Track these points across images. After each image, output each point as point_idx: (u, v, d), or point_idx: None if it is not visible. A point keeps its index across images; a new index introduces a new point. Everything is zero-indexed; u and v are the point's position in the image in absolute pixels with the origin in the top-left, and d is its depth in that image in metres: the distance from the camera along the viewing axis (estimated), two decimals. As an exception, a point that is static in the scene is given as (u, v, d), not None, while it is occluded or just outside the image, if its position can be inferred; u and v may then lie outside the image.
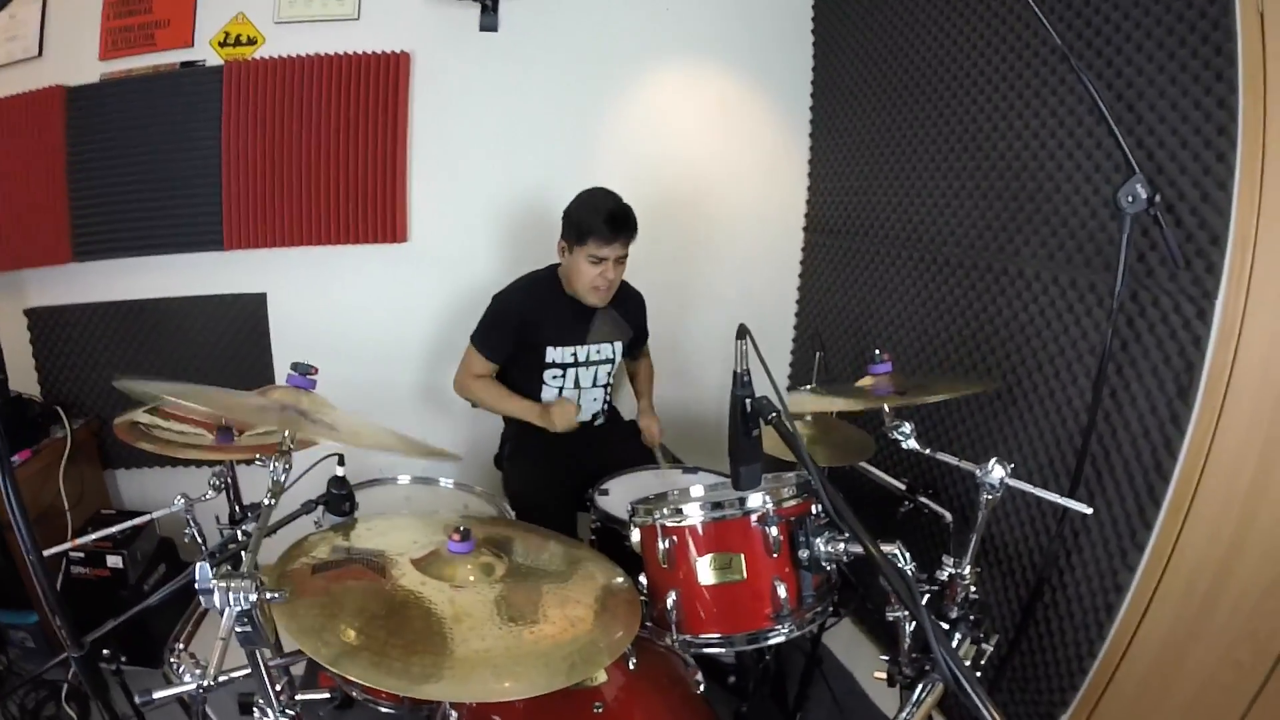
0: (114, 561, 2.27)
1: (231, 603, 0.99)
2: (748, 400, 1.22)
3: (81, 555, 2.25)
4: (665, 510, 1.46)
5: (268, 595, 1.03)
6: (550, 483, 2.15)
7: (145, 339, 2.56)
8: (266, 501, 1.23)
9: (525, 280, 2.28)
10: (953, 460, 1.56)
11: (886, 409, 1.65)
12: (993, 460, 1.43)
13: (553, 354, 2.23)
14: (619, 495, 1.97)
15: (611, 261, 2.14)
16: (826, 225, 2.91)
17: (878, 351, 1.79)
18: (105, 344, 2.55)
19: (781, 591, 1.37)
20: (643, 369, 2.58)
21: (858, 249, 2.71)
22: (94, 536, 1.87)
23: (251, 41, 2.46)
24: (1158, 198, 1.51)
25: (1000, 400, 2.15)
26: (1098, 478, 1.81)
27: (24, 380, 2.52)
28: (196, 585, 0.99)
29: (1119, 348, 1.76)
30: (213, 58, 2.45)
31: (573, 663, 1.11)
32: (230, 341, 2.61)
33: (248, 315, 2.59)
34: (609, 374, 2.36)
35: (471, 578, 1.28)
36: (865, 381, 1.78)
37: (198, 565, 1.00)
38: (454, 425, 2.78)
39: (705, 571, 1.42)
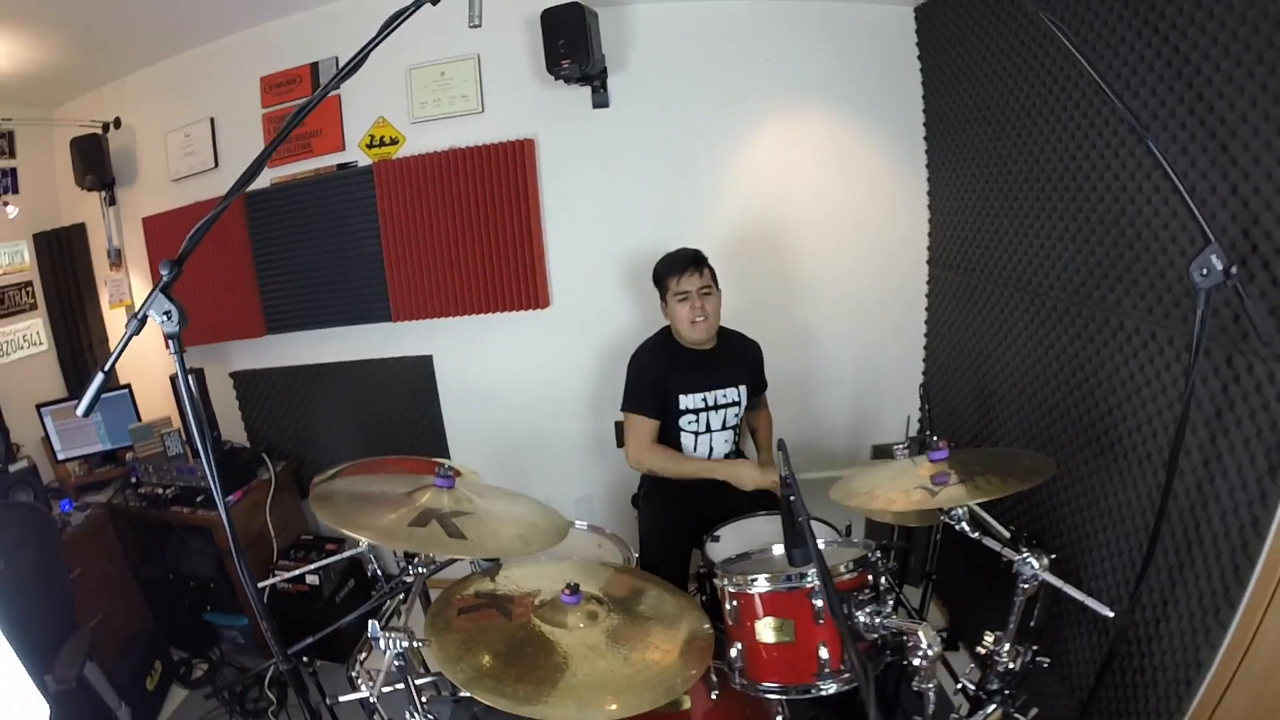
0: (312, 580, 2.83)
1: (388, 647, 1.46)
2: (791, 499, 1.41)
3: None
4: (735, 578, 1.71)
5: (415, 642, 1.48)
6: (676, 525, 2.38)
7: (331, 394, 3.13)
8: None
9: (646, 344, 2.54)
10: (996, 547, 1.65)
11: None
12: (1028, 553, 1.54)
13: (685, 401, 2.46)
14: (729, 542, 2.14)
15: (695, 293, 2.38)
16: (950, 261, 2.91)
17: (935, 438, 1.83)
18: (298, 400, 3.15)
19: (824, 653, 1.61)
20: (762, 421, 2.74)
21: (978, 286, 2.71)
22: (297, 573, 2.42)
23: (394, 142, 2.92)
24: (1234, 269, 1.44)
25: (1090, 451, 2.13)
26: (1187, 547, 1.78)
27: (234, 430, 3.20)
28: (368, 634, 1.47)
29: (1214, 415, 1.72)
30: (363, 159, 2.95)
31: (655, 691, 1.41)
32: (404, 395, 3.11)
33: (418, 374, 3.08)
34: (736, 415, 2.54)
35: (581, 624, 1.58)
36: (925, 468, 1.80)
37: (369, 621, 1.50)
38: (603, 466, 3.13)
39: (763, 630, 1.68)
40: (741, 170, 2.95)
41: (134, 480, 2.94)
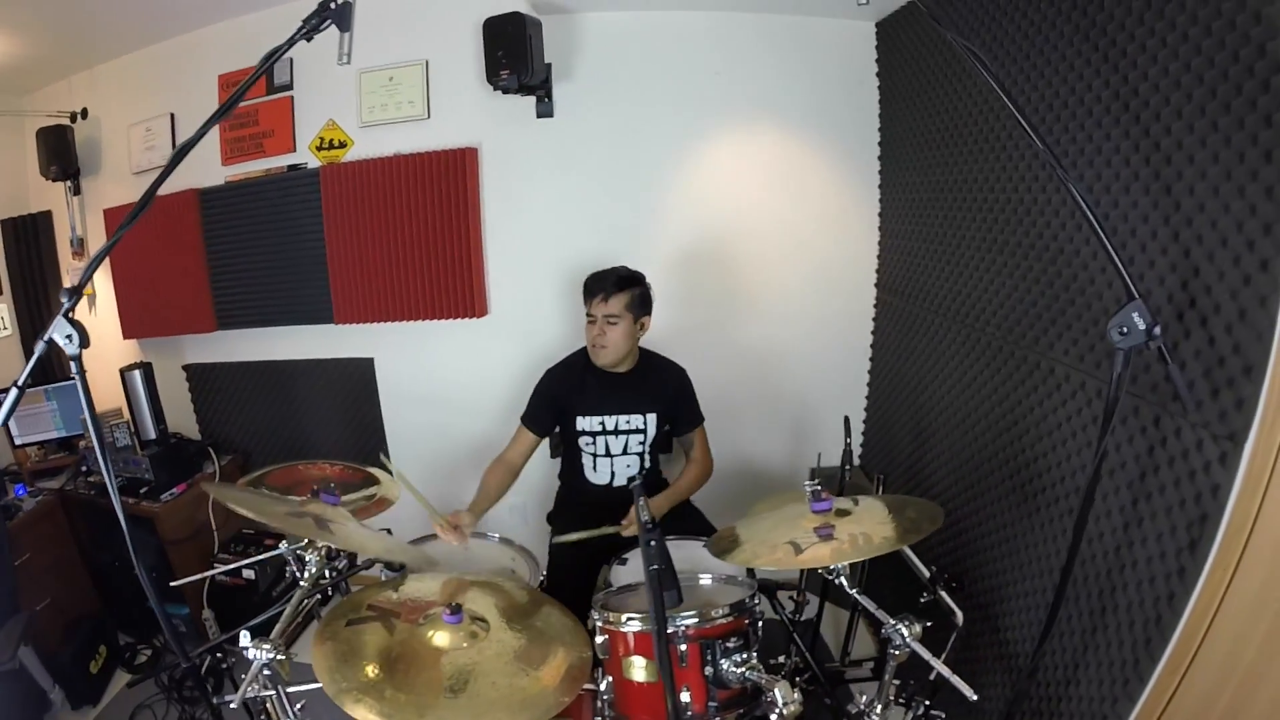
0: (248, 574, 2.68)
1: (255, 657, 1.41)
2: (651, 543, 1.30)
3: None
4: (609, 614, 1.60)
5: (279, 656, 1.42)
6: (583, 545, 2.19)
7: (279, 391, 2.98)
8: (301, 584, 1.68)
9: (564, 359, 2.38)
10: (871, 606, 1.48)
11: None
12: (901, 620, 1.37)
13: (582, 423, 2.30)
14: (635, 565, 1.98)
15: (600, 319, 2.20)
16: (897, 286, 2.68)
17: (819, 488, 1.63)
18: (248, 394, 3.01)
19: (685, 697, 1.52)
20: (686, 473, 2.36)
21: (920, 315, 2.49)
22: (226, 569, 2.42)
23: (343, 145, 2.74)
24: (1158, 329, 1.23)
25: (1014, 498, 1.93)
26: (1100, 611, 1.59)
27: (187, 422, 3.07)
28: (240, 645, 1.43)
29: (1137, 477, 1.51)
30: (313, 160, 2.77)
31: (524, 715, 1.33)
32: (347, 394, 2.96)
33: (359, 375, 2.93)
34: (641, 444, 2.34)
35: (464, 644, 1.47)
36: (809, 519, 1.60)
37: (241, 631, 1.46)
38: (537, 473, 2.83)
39: (632, 668, 1.58)
40: (690, 185, 2.74)
41: (84, 469, 2.82)
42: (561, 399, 2.29)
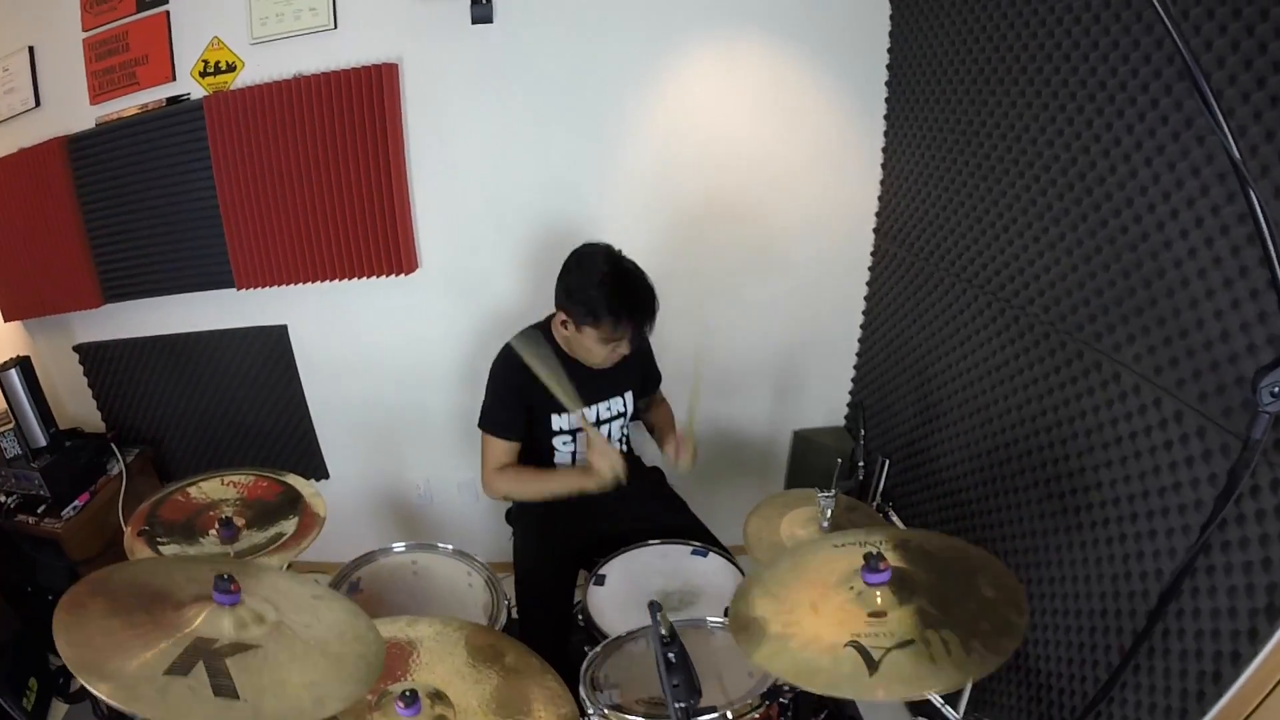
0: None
1: None
2: (671, 655, 1.08)
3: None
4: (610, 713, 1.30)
5: None
6: (553, 552, 1.93)
7: (185, 368, 2.52)
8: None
9: (513, 343, 1.92)
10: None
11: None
12: None
13: (558, 421, 1.93)
14: (615, 583, 1.75)
15: (618, 349, 1.80)
16: (901, 235, 2.28)
17: (876, 553, 1.14)
18: (151, 374, 2.54)
19: None
20: (660, 414, 2.16)
21: (933, 274, 2.11)
22: None
23: (231, 68, 2.16)
24: None
25: (1048, 506, 1.68)
26: (1149, 652, 1.38)
27: (87, 411, 2.62)
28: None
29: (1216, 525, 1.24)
30: (197, 89, 2.18)
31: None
32: (260, 369, 2.51)
33: (273, 345, 2.47)
34: (622, 428, 2.03)
35: None
36: (858, 593, 1.17)
37: None
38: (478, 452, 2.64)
39: None
40: (660, 112, 2.25)
41: (-30, 486, 2.34)
42: (525, 395, 1.88)
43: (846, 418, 2.70)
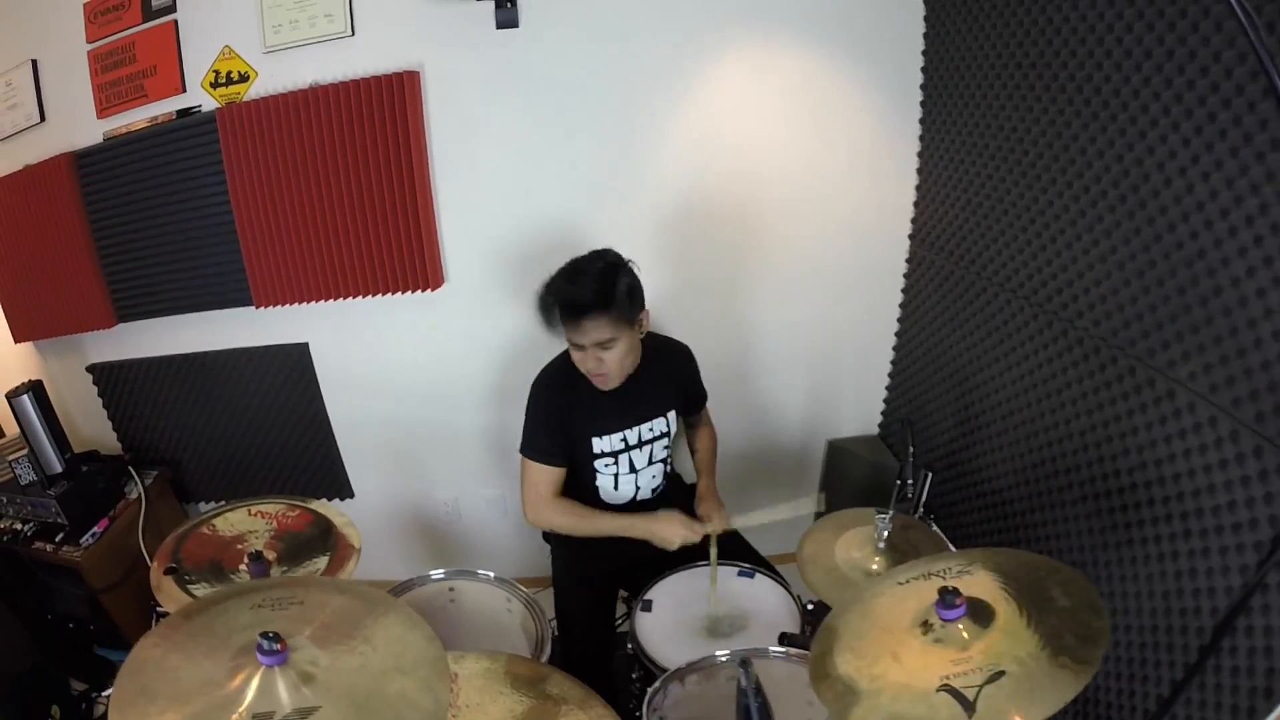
0: (201, 596, 2.44)
1: None
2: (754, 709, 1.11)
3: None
4: None
5: None
6: (594, 575, 1.97)
7: (202, 388, 2.55)
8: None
9: (550, 370, 1.96)
10: None
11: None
12: None
13: (600, 444, 1.93)
14: (663, 611, 1.77)
15: (591, 349, 1.75)
16: (938, 242, 2.30)
17: (952, 590, 1.11)
18: (167, 394, 2.57)
19: None
20: (704, 439, 2.17)
21: (973, 282, 2.14)
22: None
23: (244, 78, 2.16)
24: None
25: (1096, 522, 1.71)
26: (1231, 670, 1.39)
27: (103, 432, 2.65)
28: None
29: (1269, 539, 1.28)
30: (208, 101, 2.19)
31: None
32: (281, 388, 2.54)
33: (293, 364, 2.50)
34: (666, 447, 2.04)
35: None
36: (932, 620, 1.16)
37: None
38: (514, 461, 2.63)
39: None
40: (691, 118, 2.26)
41: (-15, 514, 2.37)
42: (566, 419, 1.90)
43: (880, 426, 2.74)
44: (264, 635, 1.05)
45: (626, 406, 1.91)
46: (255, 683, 1.04)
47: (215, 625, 1.15)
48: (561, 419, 1.89)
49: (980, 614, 1.12)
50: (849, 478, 2.64)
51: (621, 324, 1.73)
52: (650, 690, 1.42)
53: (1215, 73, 1.35)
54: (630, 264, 1.80)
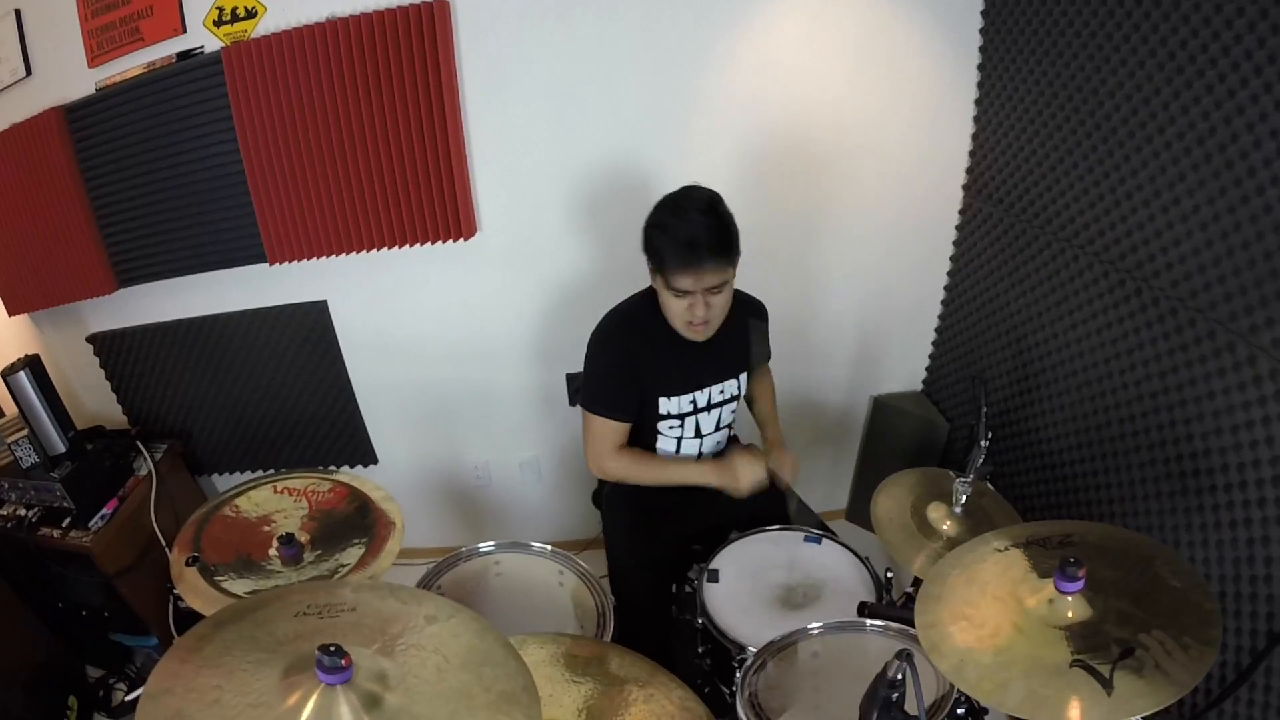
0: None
1: None
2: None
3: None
4: None
5: None
6: (651, 544, 2.03)
7: (212, 354, 2.57)
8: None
9: (618, 317, 1.97)
10: None
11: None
12: None
13: (667, 405, 1.98)
14: (732, 582, 1.82)
15: (701, 295, 1.77)
16: (995, 193, 2.36)
17: (1072, 560, 1.18)
18: (175, 362, 2.58)
19: None
20: (764, 390, 2.24)
21: (1034, 236, 2.21)
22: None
23: (251, 14, 2.11)
24: None
25: (1167, 485, 1.82)
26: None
27: (107, 405, 2.67)
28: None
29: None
30: (211, 41, 2.15)
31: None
32: (298, 350, 2.57)
33: (311, 324, 2.52)
34: (732, 411, 2.11)
35: None
36: (1044, 592, 1.23)
37: None
38: (549, 421, 2.71)
39: None
40: (744, 56, 2.26)
41: (-9, 499, 2.39)
42: (635, 375, 1.93)
43: (924, 383, 2.85)
44: (325, 649, 0.98)
45: (702, 364, 1.97)
46: (311, 704, 0.98)
47: (256, 637, 1.09)
48: (635, 370, 1.92)
49: (1097, 589, 1.19)
50: (895, 433, 2.76)
51: (734, 266, 1.80)
52: (745, 668, 1.50)
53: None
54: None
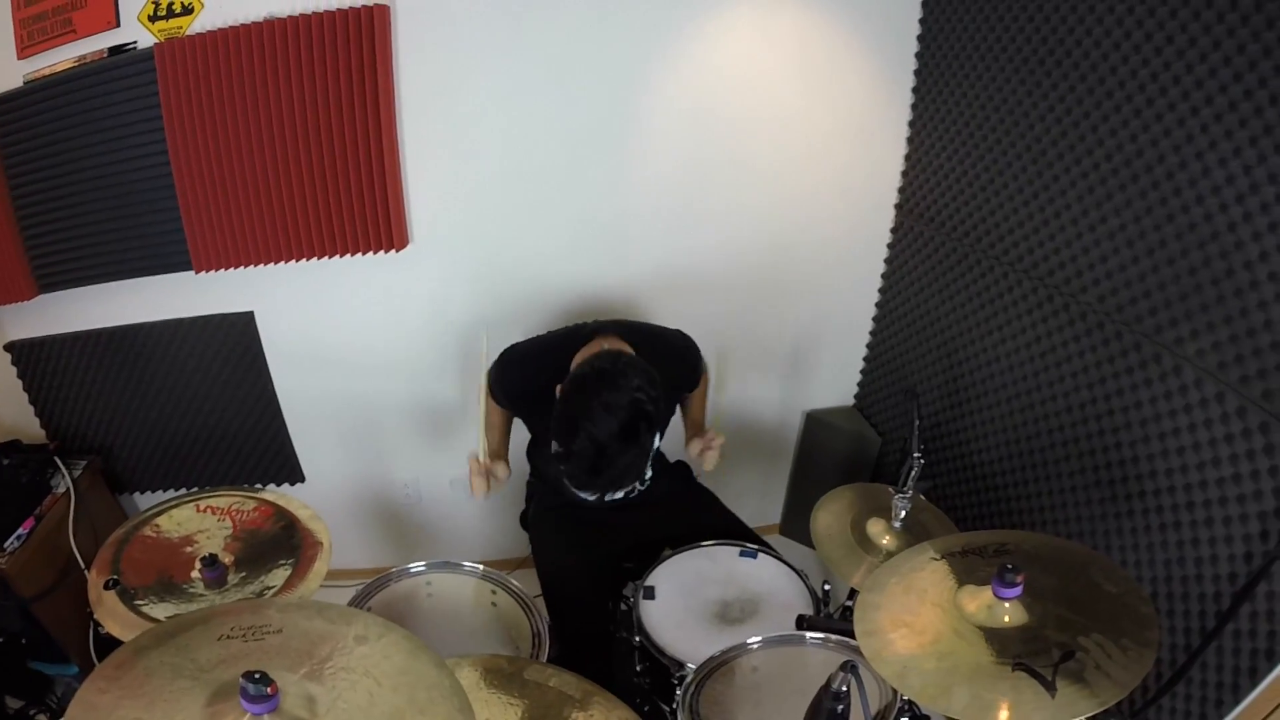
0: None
1: None
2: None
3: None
4: None
5: None
6: (582, 564, 1.96)
7: (135, 364, 2.41)
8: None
9: (533, 353, 1.93)
10: None
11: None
12: None
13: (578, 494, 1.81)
14: (668, 598, 1.77)
15: None
16: (927, 213, 2.41)
17: (1009, 567, 1.19)
18: (96, 373, 2.42)
19: None
20: (694, 398, 2.15)
21: (965, 254, 2.26)
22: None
23: (188, 10, 2.02)
24: None
25: (1095, 493, 1.86)
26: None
27: (23, 418, 2.49)
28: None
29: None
30: (145, 36, 2.05)
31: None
32: (224, 363, 2.44)
33: (237, 335, 2.40)
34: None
35: None
36: (983, 598, 1.24)
37: None
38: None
39: None
40: (676, 70, 2.26)
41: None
42: (527, 416, 1.94)
43: (856, 398, 2.87)
44: (249, 676, 0.93)
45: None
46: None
47: (179, 663, 1.03)
48: (520, 406, 1.94)
49: (1034, 594, 1.20)
50: (825, 448, 2.77)
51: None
52: (684, 685, 1.46)
53: (1238, 63, 1.45)
54: (653, 401, 1.61)
